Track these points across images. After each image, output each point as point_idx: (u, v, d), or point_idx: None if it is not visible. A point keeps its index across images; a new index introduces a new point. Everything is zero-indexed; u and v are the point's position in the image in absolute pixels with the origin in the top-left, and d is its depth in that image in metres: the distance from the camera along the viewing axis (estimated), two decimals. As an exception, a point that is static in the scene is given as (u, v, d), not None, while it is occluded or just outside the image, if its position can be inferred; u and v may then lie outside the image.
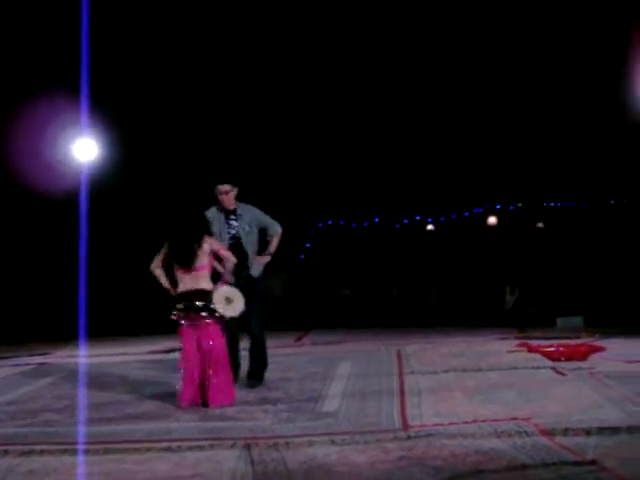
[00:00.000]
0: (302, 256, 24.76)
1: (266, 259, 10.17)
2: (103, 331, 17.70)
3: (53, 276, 20.21)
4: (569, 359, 10.97)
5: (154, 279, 9.32)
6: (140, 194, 20.94)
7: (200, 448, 7.15)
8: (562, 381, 9.43)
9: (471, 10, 20.50)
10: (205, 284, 9.05)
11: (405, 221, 25.83)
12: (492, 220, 25.81)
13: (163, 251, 9.17)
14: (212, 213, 10.01)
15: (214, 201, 10.06)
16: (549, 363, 10.67)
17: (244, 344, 10.22)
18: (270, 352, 10.34)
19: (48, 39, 18.79)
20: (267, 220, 10.22)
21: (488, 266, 22.93)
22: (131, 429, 7.94)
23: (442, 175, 23.47)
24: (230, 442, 7.24)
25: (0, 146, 18.86)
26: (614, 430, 7.03)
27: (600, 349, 11.77)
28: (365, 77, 21.83)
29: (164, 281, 9.28)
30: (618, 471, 6.02)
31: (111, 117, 18.48)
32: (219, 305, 9.08)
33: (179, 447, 7.19)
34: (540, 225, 25.62)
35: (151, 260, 9.28)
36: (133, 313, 19.26)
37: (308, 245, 25.00)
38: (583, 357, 11.12)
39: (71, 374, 11.87)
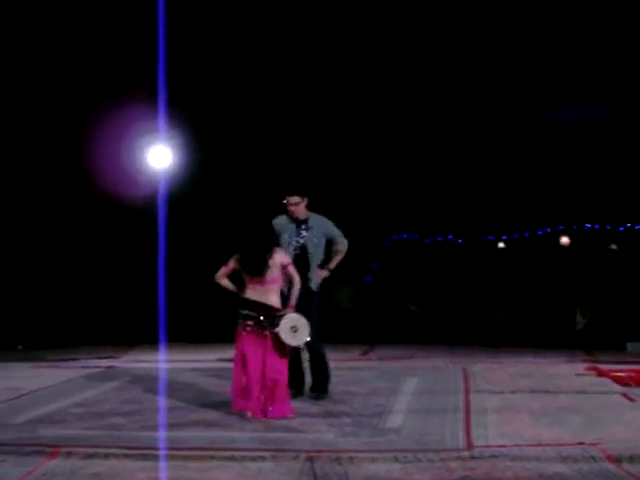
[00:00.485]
0: (374, 266, 24.69)
1: (324, 274, 10.07)
2: (176, 337, 17.84)
3: (130, 282, 20.43)
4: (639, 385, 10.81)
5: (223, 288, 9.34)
6: (214, 201, 21.07)
7: (263, 459, 7.15)
8: (631, 407, 9.29)
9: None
10: (274, 299, 9.03)
11: (480, 238, 25.66)
12: (565, 240, 25.51)
13: (231, 263, 9.15)
14: (282, 221, 10.01)
15: (284, 210, 10.07)
16: (618, 388, 10.52)
17: (306, 355, 10.19)
18: (336, 365, 10.32)
19: (125, 47, 19.02)
20: (336, 234, 10.15)
21: (559, 287, 22.66)
22: (195, 436, 7.97)
23: (517, 194, 23.27)
24: (293, 454, 7.23)
25: (80, 153, 19.13)
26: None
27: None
28: (443, 94, 21.76)
29: (231, 287, 9.29)
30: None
31: (186, 125, 18.64)
32: (284, 332, 9.04)
33: (242, 457, 7.19)
34: (613, 247, 25.27)
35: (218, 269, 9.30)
36: (207, 320, 19.38)
37: (378, 259, 24.94)
38: (653, 383, 10.95)
39: (139, 379, 11.98)
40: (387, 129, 22.13)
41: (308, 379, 10.17)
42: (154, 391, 10.65)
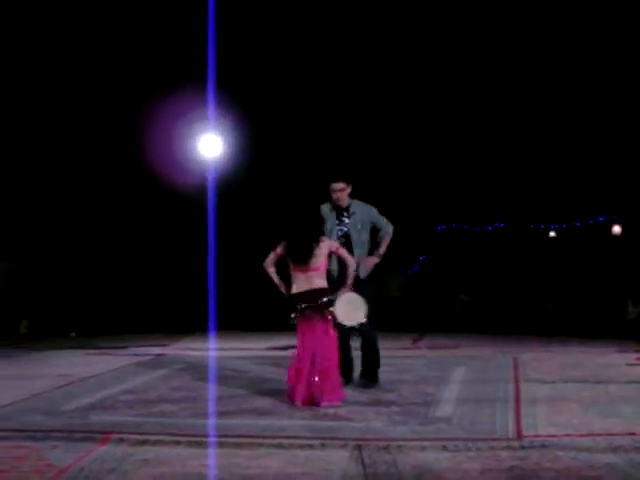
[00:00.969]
0: (421, 257, 24.64)
1: (374, 260, 10.03)
2: (226, 325, 17.94)
3: (180, 269, 20.59)
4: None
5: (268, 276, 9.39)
6: (263, 189, 21.13)
7: (311, 447, 7.16)
8: (684, 397, 9.18)
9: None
10: (320, 283, 9.04)
11: (531, 226, 25.50)
12: (617, 229, 25.28)
13: (279, 249, 9.19)
14: (325, 209, 9.99)
15: (328, 198, 10.05)
16: (671, 378, 10.42)
17: (355, 344, 10.19)
18: (386, 354, 10.30)
19: (177, 36, 19.13)
20: (380, 219, 10.09)
21: (611, 276, 22.47)
22: (244, 424, 8.00)
23: (568, 182, 23.10)
24: (341, 442, 7.23)
25: (134, 141, 19.30)
26: None
27: None
28: (495, 82, 21.67)
29: (276, 279, 9.34)
30: None
31: (237, 114, 18.71)
32: (340, 312, 9.09)
33: (290, 444, 7.21)
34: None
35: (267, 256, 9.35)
36: (257, 308, 19.46)
37: (429, 247, 24.88)
38: None
39: (188, 366, 12.06)
40: (434, 118, 22.06)
41: (356, 368, 10.16)
42: (204, 379, 10.72)
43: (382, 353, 10.21)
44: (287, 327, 9.17)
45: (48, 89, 19.61)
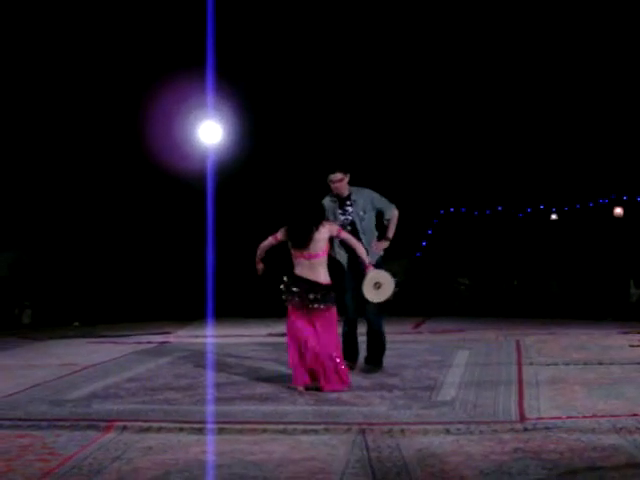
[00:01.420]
0: (423, 243, 24.64)
1: (384, 245, 10.05)
2: (227, 313, 17.98)
3: (180, 256, 20.60)
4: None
5: (274, 261, 9.41)
6: (263, 177, 21.12)
7: (315, 432, 7.17)
8: (686, 378, 9.19)
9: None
10: (323, 275, 9.01)
11: (528, 210, 25.46)
12: (618, 211, 25.24)
13: (279, 234, 9.17)
14: (326, 201, 9.95)
15: (328, 189, 10.03)
16: (673, 359, 10.43)
17: (361, 329, 10.20)
18: (388, 338, 10.30)
19: (177, 23, 19.09)
20: (383, 202, 10.07)
21: (612, 258, 22.46)
22: (247, 410, 8.01)
23: (568, 164, 23.06)
24: (345, 427, 7.24)
25: (134, 129, 19.27)
26: None
27: None
28: (492, 67, 21.63)
29: (259, 256, 9.39)
30: None
31: (236, 102, 18.68)
32: (367, 291, 9.18)
33: (294, 430, 7.23)
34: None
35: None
36: (257, 295, 19.47)
37: (430, 232, 24.88)
38: None
39: (191, 354, 12.08)
40: (432, 103, 22.02)
41: (361, 353, 10.17)
42: (207, 366, 10.73)
43: (386, 338, 10.23)
44: (286, 313, 9.15)
45: (47, 77, 19.59)
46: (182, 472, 6.19)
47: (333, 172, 9.85)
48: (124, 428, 7.36)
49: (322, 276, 8.99)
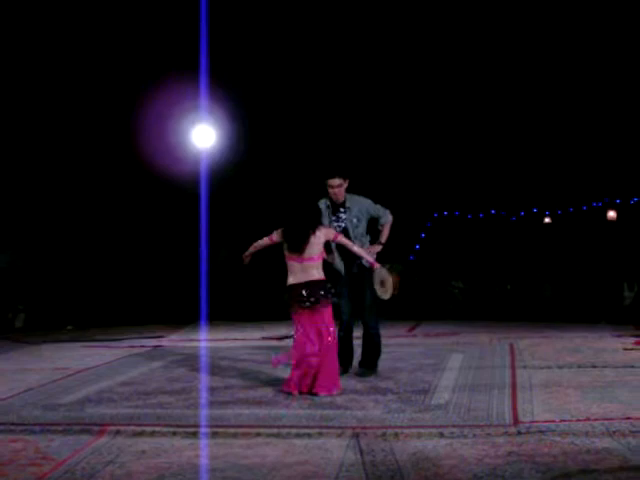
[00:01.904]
0: (417, 247, 24.66)
1: (377, 249, 10.04)
2: (221, 316, 17.97)
3: (173, 260, 20.59)
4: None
5: (266, 265, 9.41)
6: (257, 181, 21.12)
7: (309, 436, 7.16)
8: (680, 381, 9.20)
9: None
10: (316, 274, 9.02)
11: (522, 213, 25.50)
12: (612, 214, 25.29)
13: (274, 236, 9.15)
14: (322, 206, 9.90)
15: (323, 193, 10.02)
16: (667, 362, 10.43)
17: (357, 333, 10.20)
18: (382, 342, 10.30)
19: (170, 26, 19.09)
20: (377, 209, 10.06)
21: (606, 261, 22.49)
22: (241, 414, 8.00)
23: (562, 168, 23.10)
24: (339, 431, 7.24)
25: (128, 132, 19.27)
26: None
27: None
28: (487, 70, 21.66)
29: (251, 251, 9.43)
30: None
31: (230, 105, 18.68)
32: (377, 288, 9.40)
33: (288, 434, 7.22)
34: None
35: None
36: (251, 299, 19.47)
37: (423, 236, 24.90)
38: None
39: (185, 357, 12.06)
40: (426, 107, 22.04)
41: (356, 357, 10.17)
42: (200, 370, 10.73)
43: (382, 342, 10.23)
44: (281, 317, 9.15)
45: (42, 80, 19.56)
46: (176, 476, 6.19)
47: (332, 177, 9.81)
48: (117, 432, 7.35)
49: (315, 275, 8.98)
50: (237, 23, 19.70)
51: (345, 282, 9.84)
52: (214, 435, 7.23)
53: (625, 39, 20.49)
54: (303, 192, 11.16)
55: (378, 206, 10.08)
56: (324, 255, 9.23)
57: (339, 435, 7.14)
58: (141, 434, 7.31)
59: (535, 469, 6.07)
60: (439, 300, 21.90)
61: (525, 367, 10.37)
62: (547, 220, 26.05)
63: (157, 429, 7.42)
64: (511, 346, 12.43)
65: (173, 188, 19.62)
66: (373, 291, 9.82)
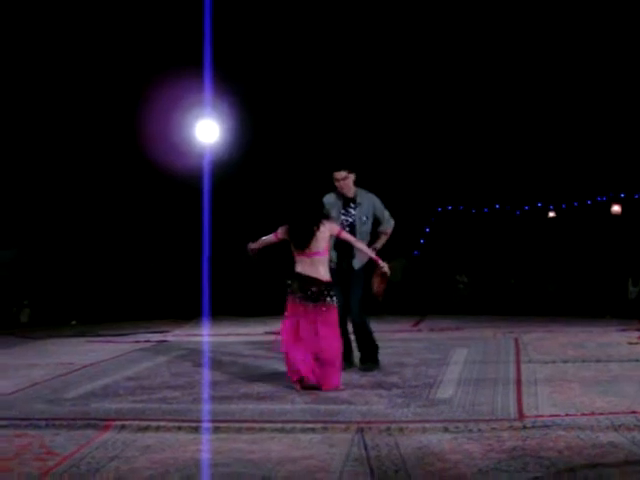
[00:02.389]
0: (422, 241, 24.66)
1: (369, 253, 10.02)
2: (224, 311, 17.98)
3: (177, 255, 20.60)
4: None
5: (270, 260, 9.39)
6: (260, 176, 21.12)
7: (313, 430, 7.15)
8: (685, 375, 9.18)
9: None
10: (323, 272, 8.99)
11: (526, 208, 25.48)
12: (616, 209, 25.25)
13: (280, 233, 9.14)
14: (331, 199, 9.88)
15: (333, 187, 10.00)
16: (672, 356, 10.42)
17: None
18: (387, 337, 10.32)
19: (174, 21, 19.09)
20: (384, 213, 10.04)
21: (611, 256, 22.48)
22: (245, 409, 7.99)
23: (566, 162, 23.07)
24: (343, 425, 7.23)
25: (132, 127, 19.27)
26: None
27: None
28: (489, 64, 21.64)
29: (257, 245, 9.40)
30: None
31: (234, 100, 18.67)
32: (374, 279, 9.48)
33: (292, 428, 7.21)
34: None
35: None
36: (254, 294, 19.47)
37: (428, 230, 24.89)
38: None
39: (189, 352, 12.07)
40: (431, 101, 22.03)
41: (356, 351, 10.16)
42: (205, 365, 10.72)
43: (384, 336, 10.26)
44: (284, 312, 9.13)
45: (45, 76, 19.57)
46: (180, 471, 6.18)
47: (338, 170, 9.81)
48: (122, 427, 7.35)
49: (322, 273, 8.98)
50: (241, 18, 19.68)
51: (334, 277, 9.82)
52: (218, 430, 7.22)
53: (626, 34, 20.46)
54: (306, 187, 11.16)
55: (386, 210, 10.05)
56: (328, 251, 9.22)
57: (344, 430, 7.12)
58: (146, 429, 7.30)
59: (540, 463, 6.06)
60: (444, 295, 21.91)
61: (530, 361, 10.36)
62: (551, 214, 26.03)
63: (162, 424, 7.41)
64: (516, 340, 12.42)
65: (177, 183, 19.61)
66: (360, 287, 9.80)
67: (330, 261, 9.51)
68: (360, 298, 9.84)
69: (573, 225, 24.67)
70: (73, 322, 18.18)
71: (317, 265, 8.97)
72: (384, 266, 9.42)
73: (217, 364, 10.73)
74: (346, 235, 9.34)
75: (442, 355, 11.14)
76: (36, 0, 18.83)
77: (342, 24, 20.46)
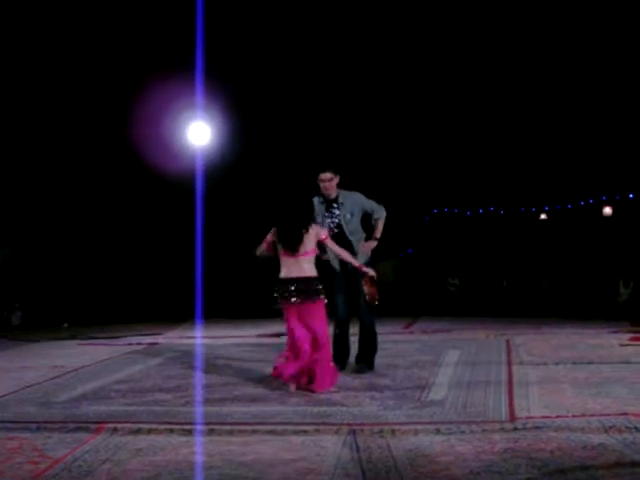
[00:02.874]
0: (409, 251, 24.68)
1: (372, 245, 10.02)
2: (217, 314, 17.97)
3: (169, 257, 20.60)
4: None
5: (264, 263, 9.39)
6: (251, 178, 21.13)
7: (305, 432, 7.15)
8: (676, 377, 9.20)
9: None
10: (309, 270, 9.00)
11: (522, 209, 25.53)
12: (607, 211, 25.30)
13: (269, 237, 9.16)
14: (315, 203, 9.94)
15: (317, 190, 10.01)
16: (663, 358, 10.44)
17: (353, 330, 10.19)
18: (379, 338, 10.28)
19: (166, 24, 19.09)
20: (370, 204, 10.05)
21: (602, 257, 22.52)
22: (237, 411, 7.99)
23: (558, 165, 23.12)
24: (335, 427, 7.23)
25: (124, 130, 19.27)
26: None
27: None
28: (484, 67, 21.67)
29: (259, 255, 9.39)
30: None
31: (226, 103, 18.68)
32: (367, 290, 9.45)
33: (284, 430, 7.21)
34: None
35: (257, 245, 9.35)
36: (246, 296, 19.48)
37: (420, 232, 24.91)
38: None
39: (181, 355, 12.06)
40: (423, 104, 22.06)
41: (352, 354, 10.16)
42: (196, 367, 10.72)
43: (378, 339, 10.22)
44: (276, 314, 9.14)
45: (39, 78, 19.56)
46: (172, 473, 6.17)
47: (324, 171, 9.83)
48: (114, 430, 7.34)
49: (307, 271, 8.97)
50: (233, 21, 19.69)
51: (340, 279, 9.84)
52: (210, 432, 7.22)
53: (621, 39, 20.50)
54: (295, 190, 11.16)
55: (371, 201, 10.06)
56: (317, 251, 9.21)
57: (335, 432, 7.12)
58: (138, 432, 7.29)
59: (531, 465, 6.07)
60: (436, 297, 21.93)
61: (521, 363, 10.38)
62: (543, 216, 26.07)
63: (154, 426, 7.40)
64: (507, 342, 12.44)
65: (169, 185, 19.61)
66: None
67: (330, 261, 9.55)
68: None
69: (564, 227, 24.72)
70: (65, 325, 18.16)
71: (302, 263, 8.96)
72: (369, 271, 9.42)
73: (209, 366, 10.72)
74: (330, 242, 9.31)
75: (434, 357, 11.15)
76: (31, 4, 18.81)
77: (332, 28, 20.48)
